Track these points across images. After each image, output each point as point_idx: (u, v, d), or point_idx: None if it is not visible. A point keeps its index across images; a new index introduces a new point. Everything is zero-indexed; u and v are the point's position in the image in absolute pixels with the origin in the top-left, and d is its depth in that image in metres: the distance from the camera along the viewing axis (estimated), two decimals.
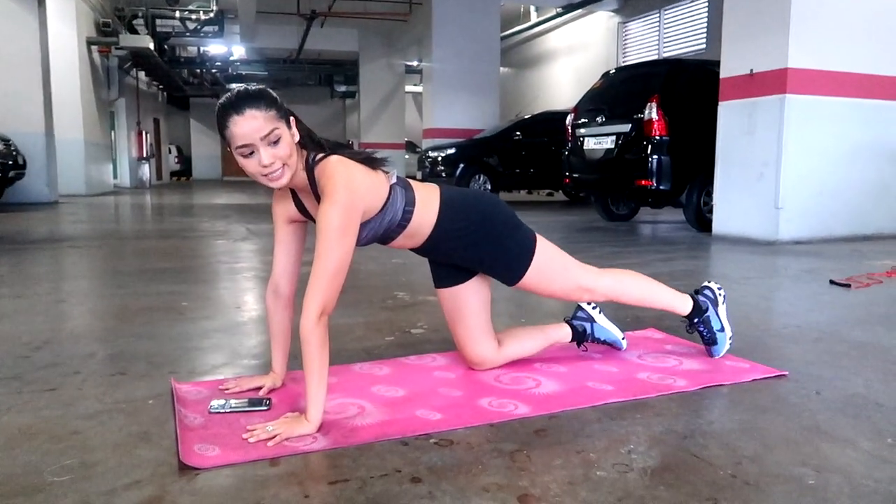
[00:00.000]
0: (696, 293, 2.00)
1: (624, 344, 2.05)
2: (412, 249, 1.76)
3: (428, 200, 1.67)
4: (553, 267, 1.80)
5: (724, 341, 1.97)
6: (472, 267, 1.81)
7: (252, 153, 1.42)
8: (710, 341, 1.97)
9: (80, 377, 1.80)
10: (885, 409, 1.58)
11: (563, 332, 2.00)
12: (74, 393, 1.67)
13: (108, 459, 1.28)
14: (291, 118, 1.48)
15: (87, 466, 1.25)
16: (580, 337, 2.02)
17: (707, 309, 1.96)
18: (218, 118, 1.41)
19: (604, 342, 2.04)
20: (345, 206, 1.43)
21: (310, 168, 1.52)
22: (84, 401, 1.62)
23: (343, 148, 1.57)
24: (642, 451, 1.34)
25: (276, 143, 1.42)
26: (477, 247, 1.73)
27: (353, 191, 1.45)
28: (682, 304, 1.95)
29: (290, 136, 1.46)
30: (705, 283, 2.04)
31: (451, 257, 1.78)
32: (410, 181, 1.70)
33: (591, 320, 2.04)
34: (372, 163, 1.59)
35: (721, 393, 1.70)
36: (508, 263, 1.77)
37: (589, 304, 2.05)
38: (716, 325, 1.96)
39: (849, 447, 1.36)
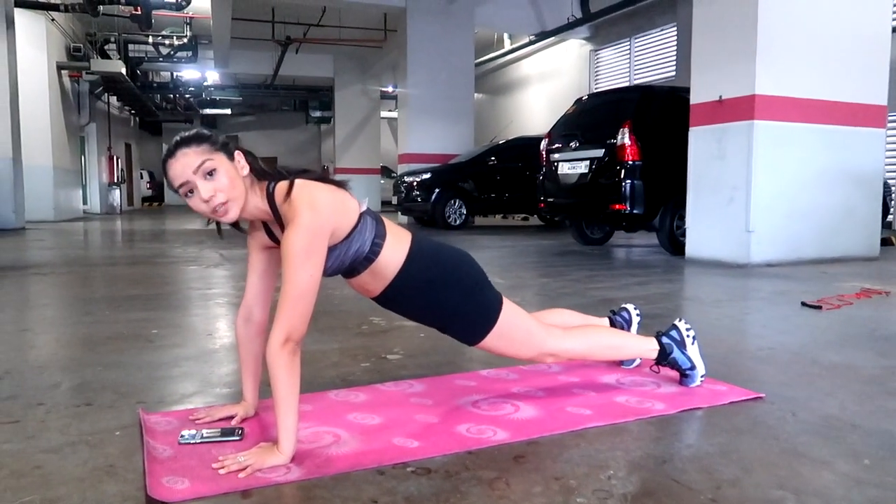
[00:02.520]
0: (661, 335, 1.93)
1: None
2: (373, 298, 1.69)
3: (398, 240, 1.63)
4: (516, 331, 1.72)
5: (696, 378, 1.91)
6: (429, 324, 1.76)
7: (192, 191, 1.44)
8: (683, 370, 1.92)
9: (44, 409, 1.74)
10: (861, 430, 1.59)
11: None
12: (37, 425, 1.61)
13: (72, 495, 1.23)
14: (237, 152, 1.50)
15: (49, 502, 1.20)
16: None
17: (671, 352, 1.89)
18: (162, 169, 1.48)
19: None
20: (308, 228, 1.40)
21: (269, 195, 1.50)
22: (47, 433, 1.56)
23: (307, 173, 1.55)
24: (622, 476, 1.32)
25: (211, 174, 1.43)
26: (439, 303, 1.67)
27: (317, 211, 1.43)
28: (650, 349, 1.91)
29: (230, 167, 1.46)
30: (674, 323, 1.98)
31: (410, 311, 1.72)
32: (383, 218, 1.66)
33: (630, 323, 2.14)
34: (337, 184, 1.57)
35: (699, 416, 1.69)
36: (470, 324, 1.70)
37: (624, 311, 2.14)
38: (684, 365, 1.90)
39: (826, 469, 1.36)
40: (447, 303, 1.67)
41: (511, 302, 1.76)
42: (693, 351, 1.92)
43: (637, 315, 2.20)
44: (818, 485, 1.28)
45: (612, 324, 2.14)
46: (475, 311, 1.69)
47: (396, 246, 1.61)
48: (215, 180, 1.43)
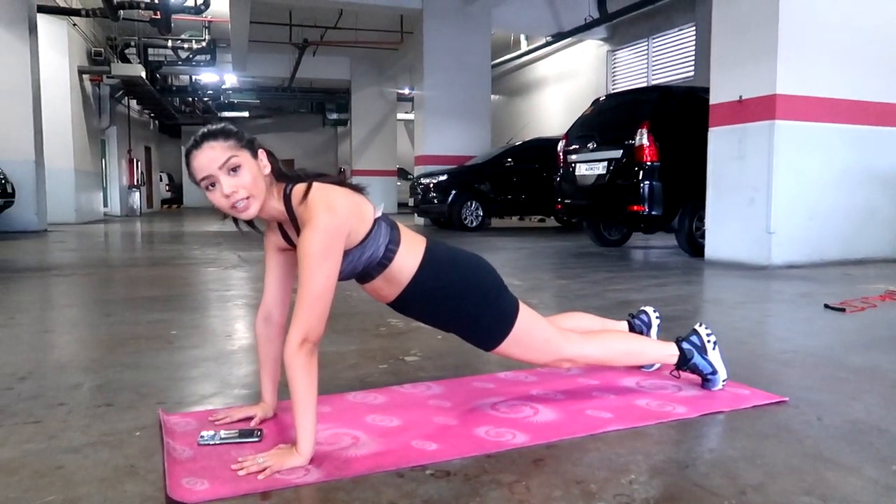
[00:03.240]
0: (681, 340, 1.90)
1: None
2: (388, 304, 1.69)
3: (412, 246, 1.62)
4: (533, 337, 1.71)
5: (718, 383, 1.88)
6: (445, 329, 1.75)
7: (214, 185, 1.43)
8: (705, 375, 1.89)
9: (65, 409, 1.76)
10: (889, 434, 1.55)
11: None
12: (59, 425, 1.63)
13: (93, 495, 1.24)
14: (260, 150, 1.49)
15: (70, 502, 1.21)
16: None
17: (692, 357, 1.87)
18: (184, 159, 1.46)
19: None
20: (325, 229, 1.40)
21: (286, 198, 1.50)
22: (69, 433, 1.57)
23: (324, 177, 1.55)
24: (644, 480, 1.30)
25: (235, 170, 1.43)
26: (454, 309, 1.66)
27: (333, 212, 1.43)
28: (670, 355, 1.88)
29: (254, 165, 1.46)
30: (694, 328, 1.94)
31: (426, 316, 1.72)
32: (398, 223, 1.66)
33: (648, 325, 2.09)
34: (354, 188, 1.57)
35: (721, 420, 1.67)
36: (486, 329, 1.69)
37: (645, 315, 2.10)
38: (705, 370, 1.87)
39: (853, 475, 1.33)
40: (462, 308, 1.66)
41: (528, 307, 1.74)
42: (714, 356, 1.89)
43: (657, 317, 2.17)
44: (846, 491, 1.25)
45: (632, 327, 2.12)
46: (491, 317, 1.68)
47: (410, 252, 1.61)
48: (239, 176, 1.43)
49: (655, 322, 2.16)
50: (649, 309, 2.19)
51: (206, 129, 1.46)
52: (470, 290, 1.66)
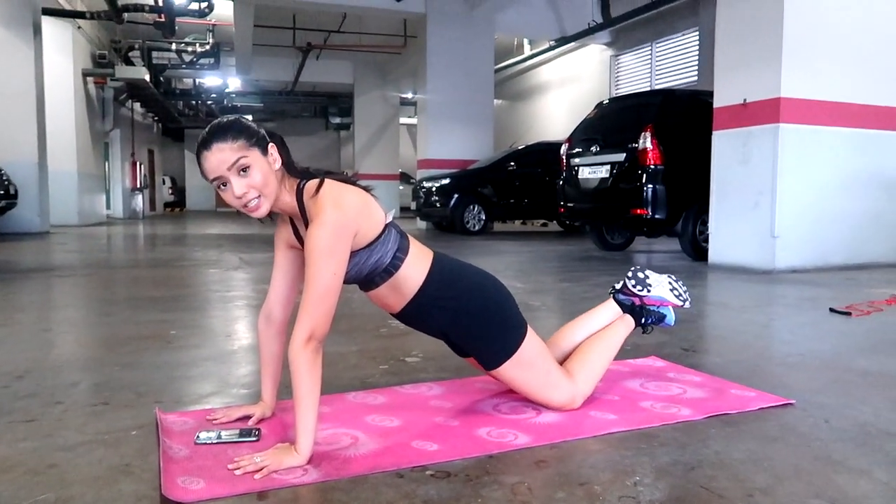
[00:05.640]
0: (616, 300, 1.95)
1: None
2: (394, 315, 1.67)
3: (421, 257, 1.60)
4: (536, 365, 1.67)
5: (670, 313, 1.97)
6: (450, 344, 1.72)
7: (226, 184, 1.41)
8: (658, 321, 1.96)
9: (62, 407, 1.73)
10: None
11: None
12: (54, 424, 1.60)
13: (86, 494, 1.21)
14: (270, 144, 1.45)
15: (63, 501, 1.18)
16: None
17: (635, 305, 1.93)
18: (196, 157, 1.44)
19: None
20: (333, 226, 1.38)
21: (299, 192, 1.48)
22: (64, 432, 1.55)
23: (334, 174, 1.52)
24: (649, 482, 1.27)
25: (245, 171, 1.40)
26: (459, 324, 1.63)
27: (342, 210, 1.41)
28: (628, 323, 1.91)
29: (264, 163, 1.43)
30: (623, 280, 1.96)
31: (431, 329, 1.69)
32: (408, 234, 1.63)
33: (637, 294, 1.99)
34: (365, 189, 1.55)
35: (727, 422, 1.64)
36: (490, 347, 1.65)
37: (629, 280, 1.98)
38: (659, 310, 1.95)
39: (864, 478, 1.30)
40: (467, 324, 1.64)
41: (537, 336, 1.71)
42: (659, 289, 1.93)
43: (639, 275, 1.99)
44: (857, 494, 1.23)
45: (621, 305, 1.98)
46: (496, 335, 1.64)
47: (418, 263, 1.59)
48: (249, 177, 1.41)
49: (636, 288, 1.99)
50: (625, 278, 2.01)
51: (215, 126, 1.42)
52: (476, 305, 1.64)
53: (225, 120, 1.44)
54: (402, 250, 1.56)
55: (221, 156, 1.39)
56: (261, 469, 1.28)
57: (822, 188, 5.11)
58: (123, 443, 1.48)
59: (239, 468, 1.30)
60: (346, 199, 1.44)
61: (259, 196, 1.43)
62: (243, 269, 5.16)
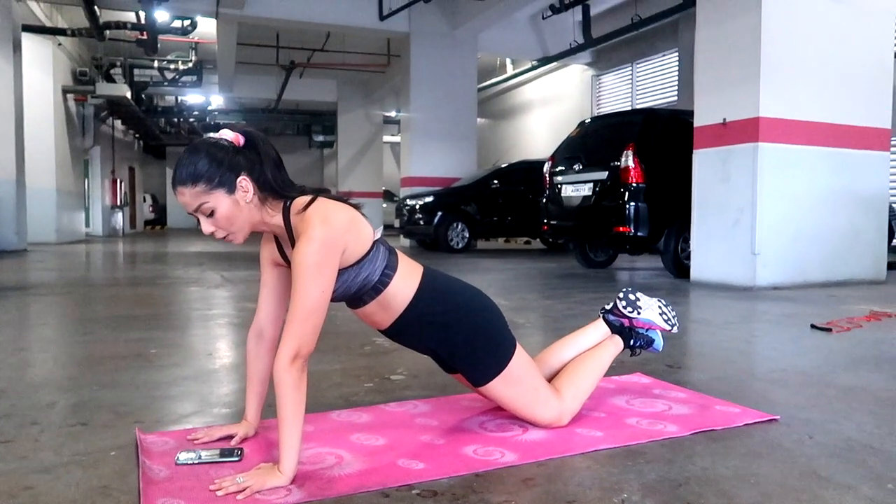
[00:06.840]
0: (606, 320, 1.95)
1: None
2: (382, 332, 1.66)
3: (409, 273, 1.59)
4: (524, 383, 1.66)
5: (658, 337, 1.98)
6: (438, 361, 1.71)
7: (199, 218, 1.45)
8: (647, 345, 1.97)
9: (38, 428, 1.69)
10: (881, 453, 1.53)
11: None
12: (30, 445, 1.56)
13: None
14: (240, 178, 1.41)
15: None
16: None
17: (624, 326, 1.94)
18: None
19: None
20: (321, 242, 1.37)
21: (286, 211, 1.47)
22: (40, 453, 1.51)
23: (325, 192, 1.51)
24: (636, 500, 1.27)
25: (210, 214, 1.42)
26: (448, 340, 1.62)
27: (330, 226, 1.40)
28: (617, 343, 1.91)
29: (229, 203, 1.41)
30: (614, 301, 1.97)
31: (420, 346, 1.68)
32: (397, 250, 1.62)
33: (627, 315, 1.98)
34: (355, 207, 1.54)
35: (713, 438, 1.64)
36: (478, 363, 1.63)
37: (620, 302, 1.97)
38: (647, 333, 1.95)
39: (850, 493, 1.30)
40: (457, 340, 1.62)
41: (525, 353, 1.70)
42: (648, 313, 1.93)
43: (630, 297, 2.00)
44: None
45: (610, 326, 1.98)
46: (485, 352, 1.63)
47: (407, 279, 1.58)
48: (214, 219, 1.43)
49: (626, 309, 1.99)
50: (617, 297, 2.02)
51: (180, 159, 1.41)
52: (466, 322, 1.63)
53: (189, 156, 1.40)
54: (391, 267, 1.55)
55: (184, 199, 1.42)
56: (243, 490, 1.26)
57: (801, 206, 5.18)
58: (102, 464, 1.45)
59: (221, 489, 1.27)
60: (334, 216, 1.43)
61: (226, 234, 1.45)
62: (225, 287, 5.10)
